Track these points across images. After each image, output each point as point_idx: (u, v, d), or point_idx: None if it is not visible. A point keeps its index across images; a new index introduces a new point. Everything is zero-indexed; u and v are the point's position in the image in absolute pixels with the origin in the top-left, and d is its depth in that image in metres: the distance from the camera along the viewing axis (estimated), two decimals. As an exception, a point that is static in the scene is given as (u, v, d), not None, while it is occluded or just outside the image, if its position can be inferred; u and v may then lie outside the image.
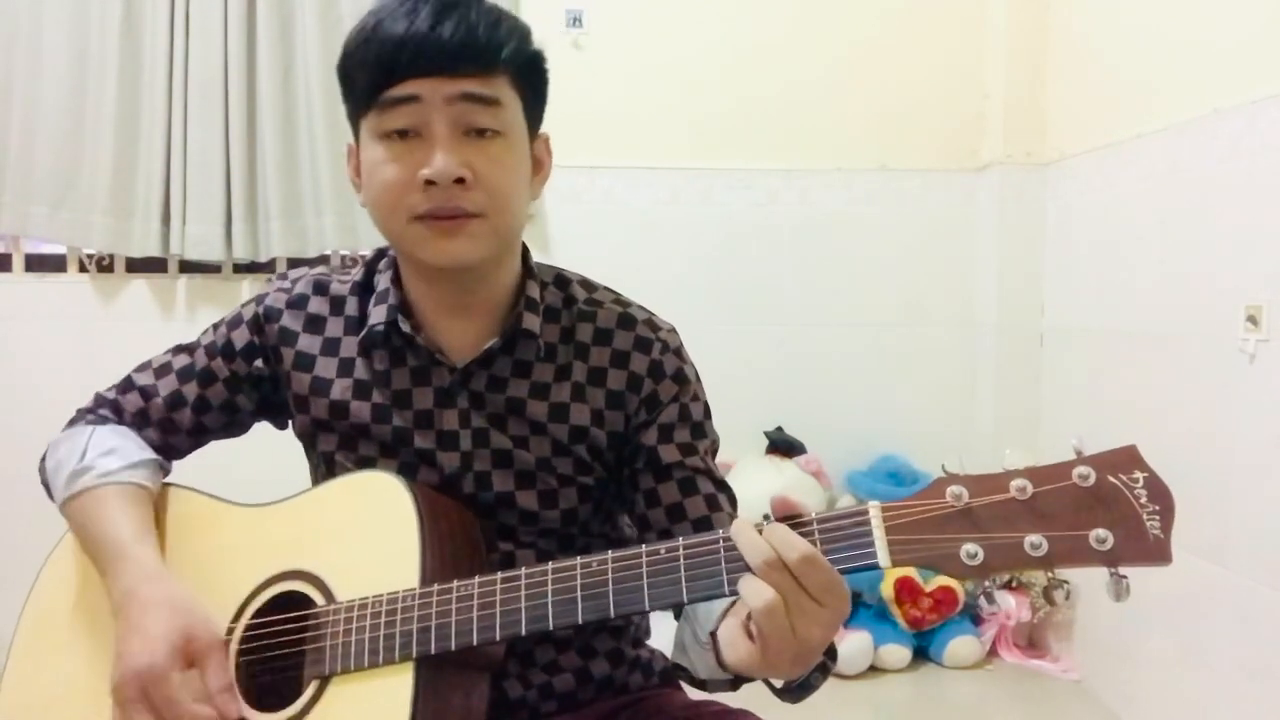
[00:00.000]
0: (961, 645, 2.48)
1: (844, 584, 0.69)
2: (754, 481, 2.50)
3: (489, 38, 0.87)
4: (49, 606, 0.99)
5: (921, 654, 2.53)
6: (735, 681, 0.88)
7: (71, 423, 1.07)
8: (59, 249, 2.65)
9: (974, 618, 2.55)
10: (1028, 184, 2.61)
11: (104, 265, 2.63)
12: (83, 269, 2.65)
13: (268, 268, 2.66)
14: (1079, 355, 2.44)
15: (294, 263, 2.64)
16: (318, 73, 2.52)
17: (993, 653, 2.54)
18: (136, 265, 2.62)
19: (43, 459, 1.05)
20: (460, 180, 0.86)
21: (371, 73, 0.87)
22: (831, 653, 0.81)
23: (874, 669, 2.45)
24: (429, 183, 0.86)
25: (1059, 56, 2.56)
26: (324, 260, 2.64)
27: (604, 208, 2.61)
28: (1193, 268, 1.96)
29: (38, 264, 2.67)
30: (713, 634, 0.85)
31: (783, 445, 2.60)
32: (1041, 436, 2.60)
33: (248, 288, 2.67)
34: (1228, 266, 1.86)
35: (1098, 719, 2.25)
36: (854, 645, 2.39)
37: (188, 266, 2.64)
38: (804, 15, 2.69)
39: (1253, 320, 1.77)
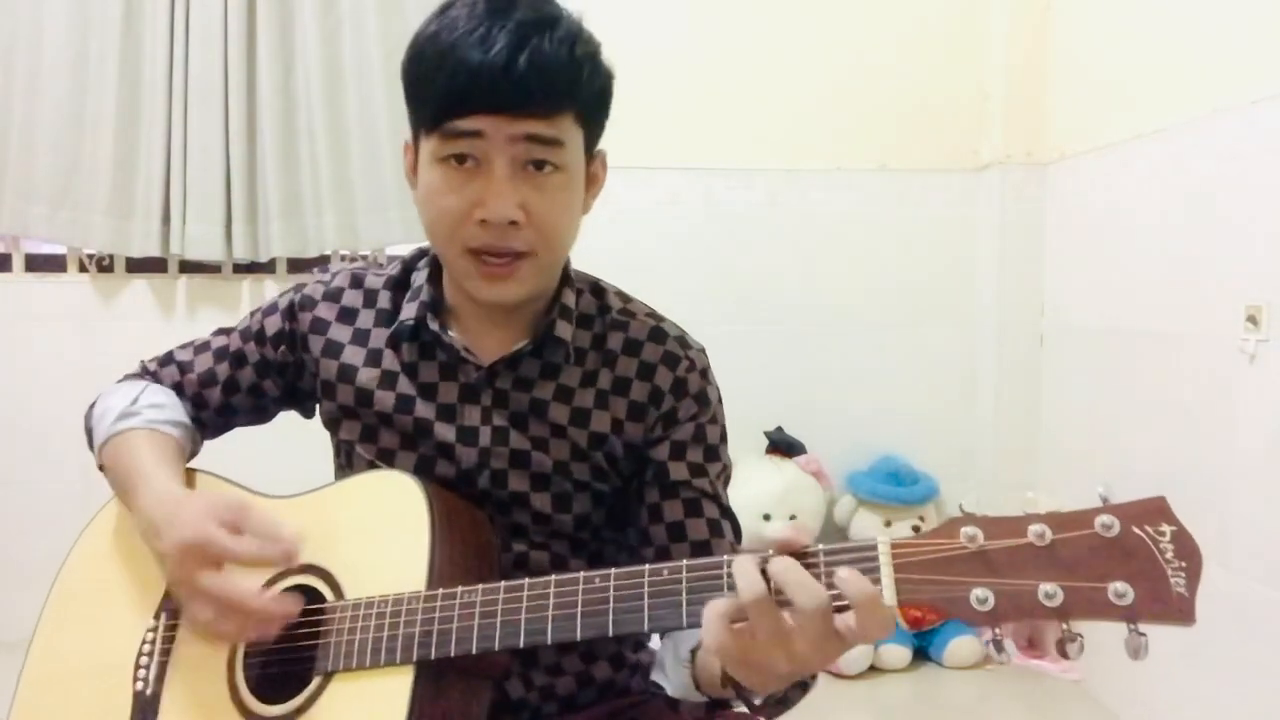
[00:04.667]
0: (961, 645, 2.48)
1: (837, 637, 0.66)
2: (754, 481, 2.50)
3: (562, 77, 0.87)
4: (77, 583, 1.01)
5: (921, 654, 2.53)
6: (712, 705, 0.88)
7: (121, 381, 1.10)
8: (59, 249, 2.65)
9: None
10: (1028, 184, 2.61)
11: (104, 265, 2.63)
12: (83, 269, 2.65)
13: (268, 268, 2.66)
14: (1079, 355, 2.44)
15: (294, 263, 2.65)
16: (318, 73, 2.52)
17: (995, 644, 2.53)
18: (136, 265, 2.62)
19: (90, 406, 1.08)
20: (513, 222, 0.88)
21: (440, 100, 0.87)
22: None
23: (874, 669, 2.45)
24: (483, 221, 0.88)
25: (1059, 56, 2.56)
26: (325, 260, 2.65)
27: (603, 208, 2.59)
28: (1193, 268, 1.96)
29: (38, 264, 2.67)
30: (693, 651, 0.85)
31: (783, 445, 2.60)
32: (1041, 437, 2.60)
33: (248, 288, 2.67)
34: (1228, 266, 1.86)
35: (1098, 719, 2.25)
36: (854, 645, 2.39)
37: (188, 266, 2.64)
38: (804, 15, 2.68)
39: (1253, 320, 1.77)
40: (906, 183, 2.71)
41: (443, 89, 0.86)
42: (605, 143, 1.00)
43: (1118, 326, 2.24)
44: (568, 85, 0.88)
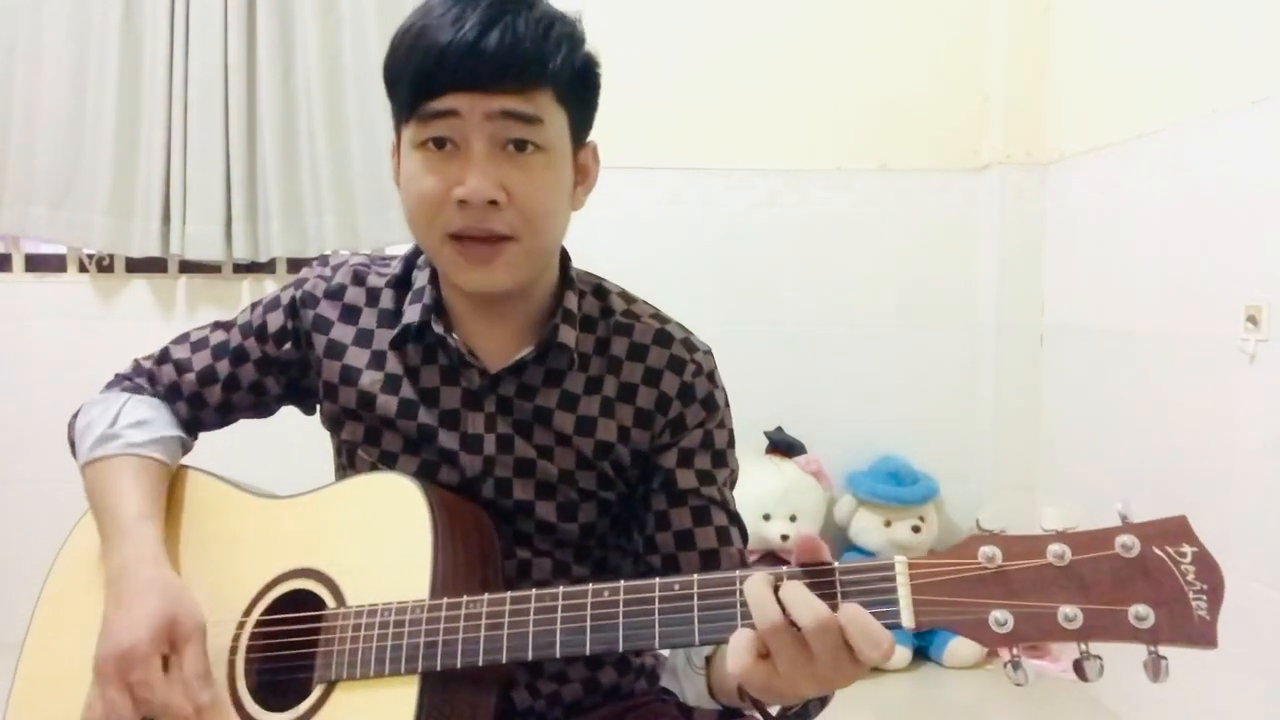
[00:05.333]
0: (961, 645, 2.48)
1: (869, 649, 0.64)
2: (754, 481, 2.49)
3: (535, 52, 0.84)
4: (69, 581, 1.00)
5: (921, 654, 2.53)
6: (725, 714, 0.87)
7: (108, 387, 1.07)
8: (59, 249, 2.65)
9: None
10: (1028, 184, 2.61)
11: (104, 265, 2.63)
12: (83, 269, 2.65)
13: (268, 268, 2.66)
14: (1079, 355, 2.44)
15: (294, 263, 2.65)
16: (318, 73, 2.52)
17: (993, 653, 2.54)
18: (136, 265, 2.62)
19: (74, 416, 1.05)
20: (494, 202, 0.85)
21: (412, 83, 0.85)
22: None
23: (874, 669, 2.44)
24: (462, 202, 0.85)
25: (1059, 56, 2.56)
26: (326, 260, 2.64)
27: (603, 208, 2.59)
28: (1193, 268, 1.96)
29: (38, 264, 2.67)
30: (708, 659, 0.84)
31: (783, 445, 2.60)
32: (1041, 436, 2.60)
33: (248, 288, 2.67)
34: (1228, 266, 1.85)
35: (1097, 719, 2.25)
36: (854, 645, 2.39)
37: (188, 266, 2.64)
38: (804, 15, 2.69)
39: (1253, 320, 1.77)
40: (906, 183, 2.71)
41: (415, 71, 0.84)
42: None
43: (1118, 326, 2.24)
44: (542, 60, 0.84)
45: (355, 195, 2.57)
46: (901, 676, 2.46)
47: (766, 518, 2.47)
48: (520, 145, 0.86)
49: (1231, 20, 1.87)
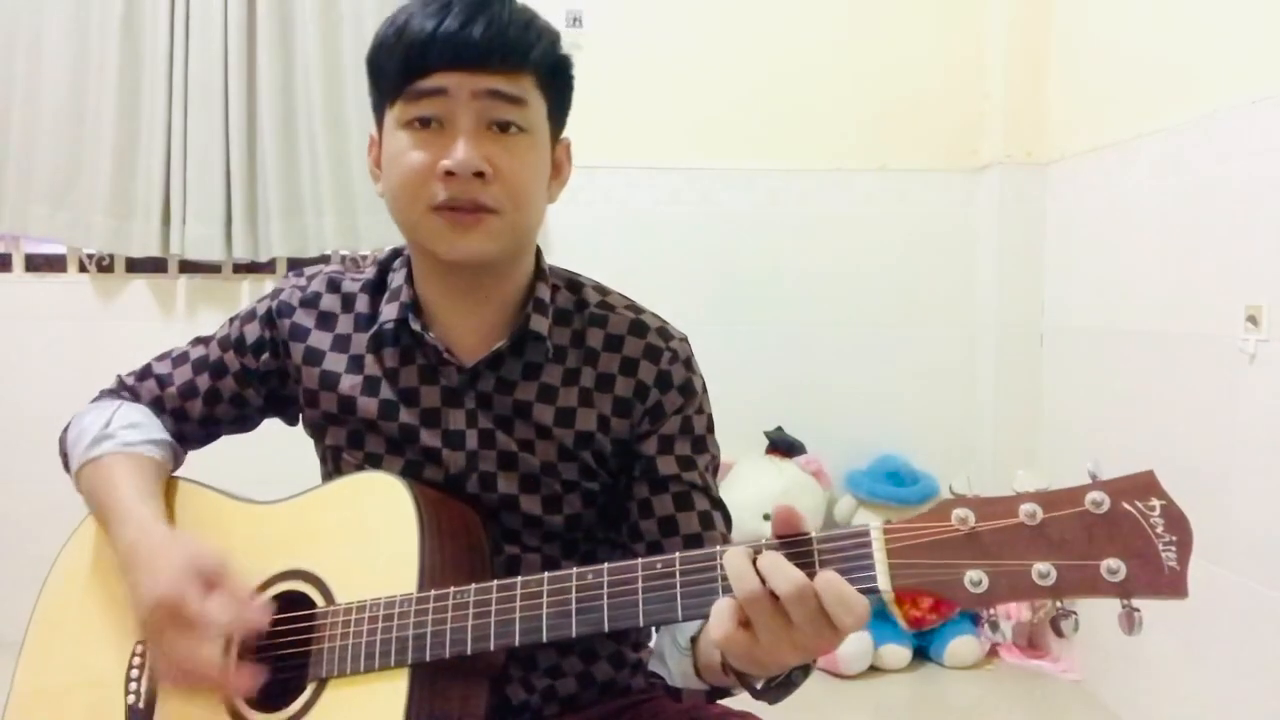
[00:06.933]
0: (961, 645, 2.48)
1: (845, 613, 0.66)
2: (754, 481, 2.49)
3: (518, 38, 0.88)
4: (63, 595, 1.00)
5: (921, 654, 2.53)
6: (712, 692, 0.88)
7: (94, 401, 1.09)
8: (59, 249, 2.65)
9: (974, 618, 2.55)
10: (1028, 184, 2.61)
11: (104, 265, 2.64)
12: (83, 269, 2.65)
13: (268, 268, 2.66)
14: (1079, 355, 2.44)
15: (294, 263, 2.65)
16: (318, 73, 2.53)
17: (993, 653, 2.54)
18: (136, 265, 2.62)
19: (65, 429, 1.07)
20: (480, 174, 0.87)
21: (400, 64, 0.88)
22: None
23: (874, 669, 2.45)
24: (449, 174, 0.87)
25: (1059, 56, 2.56)
26: (325, 260, 2.64)
27: (603, 208, 2.61)
28: (1193, 268, 1.96)
29: (38, 264, 2.67)
30: (693, 639, 0.85)
31: (783, 445, 2.60)
32: (1042, 436, 2.60)
33: (248, 288, 2.67)
34: (1228, 266, 1.86)
35: (1097, 719, 2.25)
36: (854, 645, 2.39)
37: (188, 266, 2.64)
38: (804, 15, 2.69)
39: (1253, 320, 1.77)
40: (906, 183, 2.71)
41: (403, 55, 0.88)
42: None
43: (1118, 326, 2.24)
44: (525, 46, 0.89)
45: (355, 195, 2.57)
46: (901, 676, 2.46)
47: (766, 518, 2.46)
48: (504, 126, 0.89)
49: (1231, 20, 1.87)
